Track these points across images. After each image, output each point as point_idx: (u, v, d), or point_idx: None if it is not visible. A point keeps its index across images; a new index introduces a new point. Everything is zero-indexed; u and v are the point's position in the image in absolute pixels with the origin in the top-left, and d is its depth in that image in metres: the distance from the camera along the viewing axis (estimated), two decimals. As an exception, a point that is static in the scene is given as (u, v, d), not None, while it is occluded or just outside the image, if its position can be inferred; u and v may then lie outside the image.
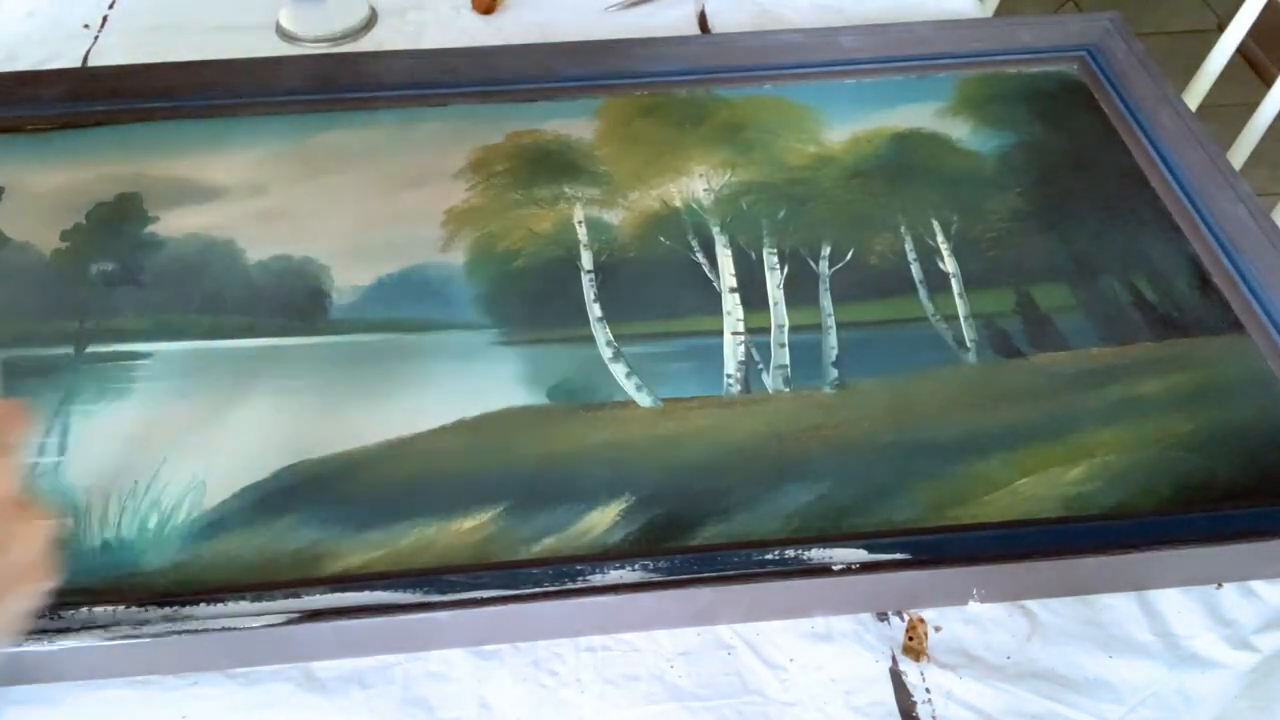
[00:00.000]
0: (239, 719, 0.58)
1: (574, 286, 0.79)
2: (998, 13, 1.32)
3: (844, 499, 0.66)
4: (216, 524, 0.65)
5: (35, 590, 0.47)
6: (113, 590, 0.61)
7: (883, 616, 0.62)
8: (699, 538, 0.64)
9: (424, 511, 0.65)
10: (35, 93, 0.93)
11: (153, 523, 0.65)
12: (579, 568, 0.62)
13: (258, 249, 0.82)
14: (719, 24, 1.08)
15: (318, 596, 0.61)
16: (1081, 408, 0.71)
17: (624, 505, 0.66)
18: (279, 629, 0.58)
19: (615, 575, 0.62)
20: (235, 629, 0.58)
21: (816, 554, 0.63)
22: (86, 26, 1.06)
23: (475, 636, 0.61)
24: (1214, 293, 0.79)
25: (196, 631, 0.58)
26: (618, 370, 0.74)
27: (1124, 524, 0.65)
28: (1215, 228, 0.82)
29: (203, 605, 0.60)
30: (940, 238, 0.83)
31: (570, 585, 0.61)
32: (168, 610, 0.60)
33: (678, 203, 0.86)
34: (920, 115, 0.93)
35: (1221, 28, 1.14)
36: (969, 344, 0.76)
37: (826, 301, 0.78)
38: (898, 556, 0.63)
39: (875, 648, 0.61)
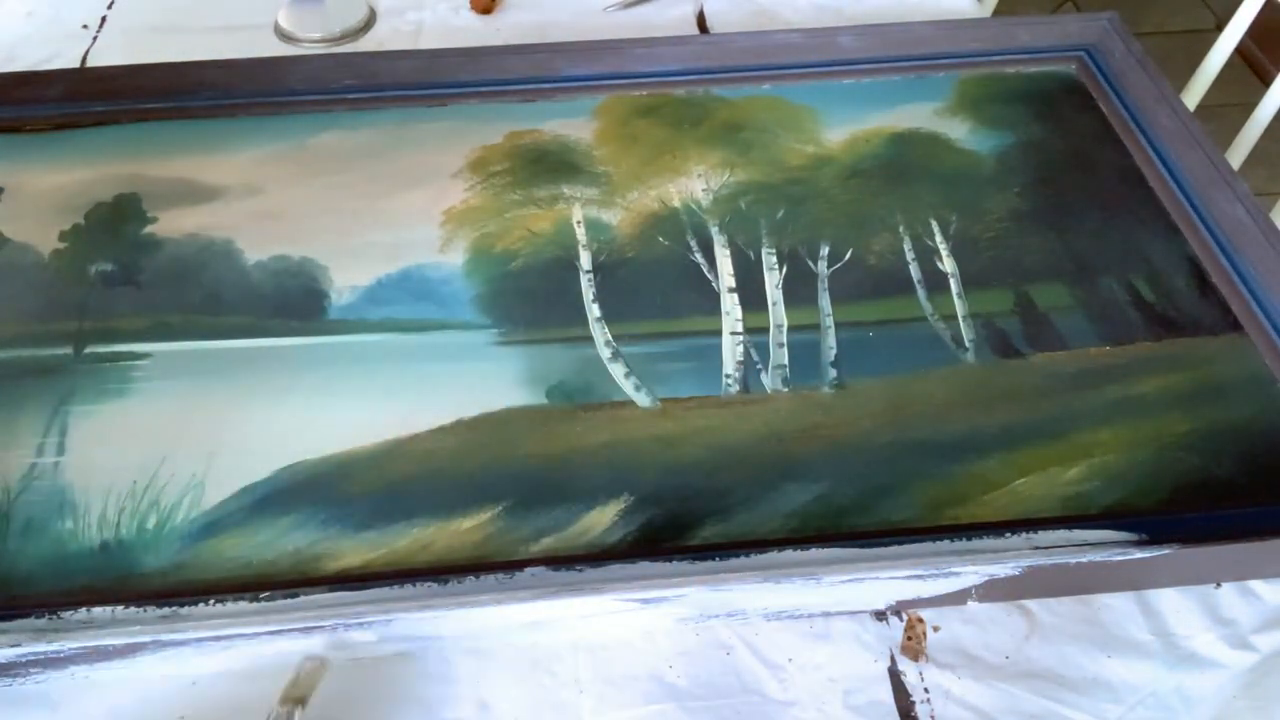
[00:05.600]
0: (238, 719, 0.58)
1: (572, 286, 0.79)
2: (996, 13, 1.33)
3: (843, 499, 0.66)
4: (215, 524, 0.65)
5: None
6: (112, 590, 0.61)
7: (881, 616, 0.62)
8: (697, 538, 0.64)
9: (423, 511, 0.65)
10: (34, 93, 0.93)
11: (151, 523, 0.65)
12: (577, 567, 0.62)
13: (256, 249, 0.82)
14: (718, 24, 1.08)
15: (317, 596, 0.61)
16: (1080, 407, 0.71)
17: (622, 505, 0.66)
18: (278, 629, 0.58)
19: (613, 575, 0.62)
20: (235, 629, 0.58)
21: (815, 554, 0.63)
22: (85, 27, 1.06)
23: (475, 636, 0.61)
24: (1212, 292, 0.79)
25: (196, 631, 0.58)
26: (616, 370, 0.74)
27: (1122, 523, 0.65)
28: (1213, 227, 0.82)
29: (202, 605, 0.60)
30: (939, 237, 0.83)
31: (569, 585, 0.61)
32: (167, 610, 0.60)
33: (676, 203, 0.86)
34: (919, 115, 0.93)
35: (1220, 28, 1.14)
36: (967, 344, 0.76)
37: (825, 301, 0.78)
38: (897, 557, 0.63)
39: (874, 647, 0.61)
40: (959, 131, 0.92)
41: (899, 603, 0.62)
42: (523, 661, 0.60)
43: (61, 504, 0.66)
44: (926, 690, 0.59)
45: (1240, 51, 1.44)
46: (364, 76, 0.95)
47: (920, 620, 0.62)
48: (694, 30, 1.07)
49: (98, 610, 0.60)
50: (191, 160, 0.89)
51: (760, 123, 0.93)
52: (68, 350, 0.75)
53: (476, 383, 0.73)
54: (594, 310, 0.78)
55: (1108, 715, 0.58)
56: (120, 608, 0.60)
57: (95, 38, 1.05)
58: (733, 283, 0.80)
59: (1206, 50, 1.13)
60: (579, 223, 0.84)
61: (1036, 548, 0.63)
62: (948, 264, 0.81)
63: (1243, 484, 0.67)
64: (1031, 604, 0.63)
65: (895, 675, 0.60)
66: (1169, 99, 0.90)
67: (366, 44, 1.05)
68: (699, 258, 0.81)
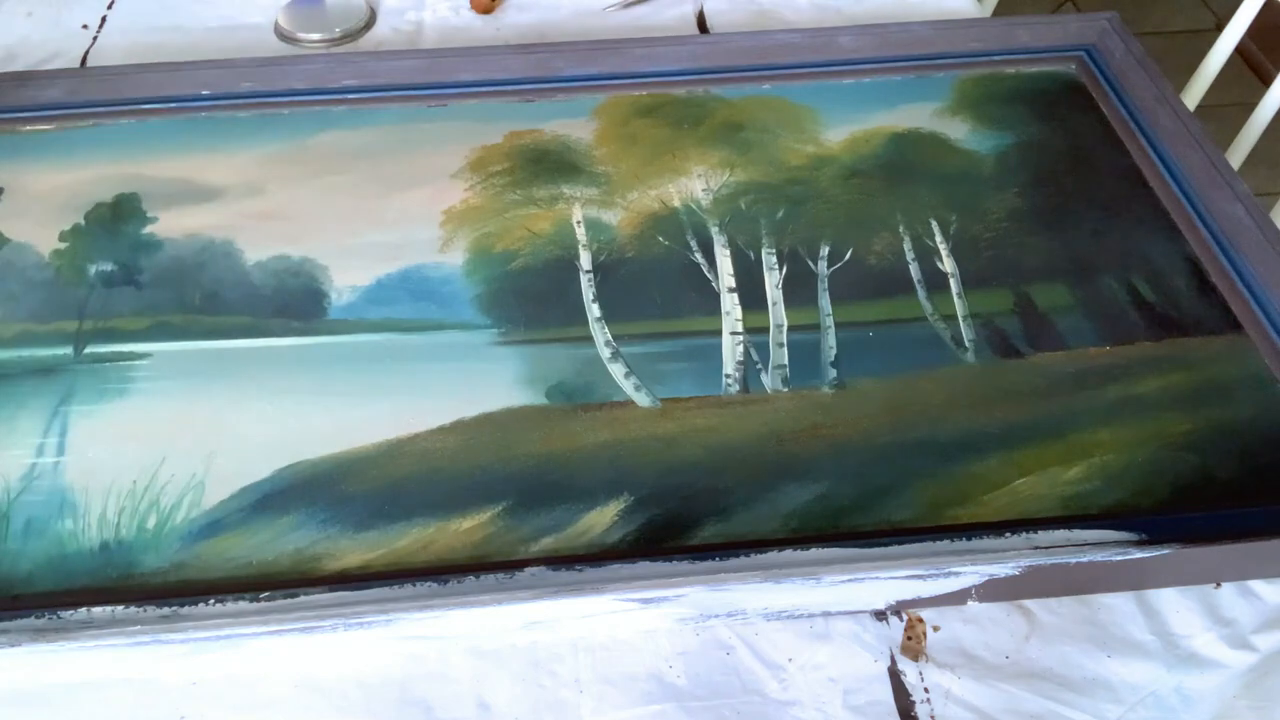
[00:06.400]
0: (238, 719, 0.58)
1: (572, 286, 0.79)
2: (996, 13, 1.33)
3: (843, 499, 0.66)
4: (215, 524, 0.65)
5: None
6: (112, 590, 0.61)
7: (881, 616, 0.62)
8: (697, 538, 0.64)
9: (422, 511, 0.65)
10: (34, 93, 0.93)
11: (151, 523, 0.65)
12: (577, 567, 0.62)
13: (256, 249, 0.82)
14: (718, 24, 1.08)
15: (317, 596, 0.61)
16: (1080, 407, 0.71)
17: (622, 505, 0.66)
18: (278, 629, 0.58)
19: (613, 575, 0.62)
20: (235, 629, 0.58)
21: (815, 554, 0.63)
22: (85, 27, 1.07)
23: (475, 636, 0.61)
24: (1212, 292, 0.79)
25: (196, 631, 0.58)
26: (616, 370, 0.74)
27: (1122, 523, 0.65)
28: (1213, 227, 0.82)
29: (202, 605, 0.60)
30: (939, 237, 0.83)
31: (569, 585, 0.61)
32: (167, 610, 0.60)
33: (676, 203, 0.86)
34: (919, 115, 0.93)
35: (1220, 27, 1.14)
36: (967, 344, 0.76)
37: (825, 301, 0.78)
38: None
39: (874, 647, 0.61)
40: (959, 131, 0.92)
41: (899, 603, 0.62)
42: (523, 661, 0.60)
43: (61, 504, 0.66)
44: (926, 690, 0.59)
45: (1240, 51, 1.44)
46: (364, 76, 0.95)
47: (920, 620, 0.62)
48: (694, 30, 1.07)
49: (98, 610, 0.60)
50: (191, 160, 0.89)
51: (760, 123, 0.93)
52: (68, 350, 0.75)
53: (476, 383, 0.73)
54: (594, 310, 0.78)
55: (1108, 715, 0.58)
56: (120, 608, 0.60)
57: (95, 38, 1.05)
58: (733, 283, 0.80)
59: (1206, 50, 1.13)
60: (579, 223, 0.84)
61: (1036, 548, 0.63)
62: (948, 264, 0.81)
63: (1243, 484, 0.67)
64: (1031, 604, 0.63)
65: (895, 675, 0.60)
66: (1169, 99, 0.90)
67: (366, 44, 1.05)
68: (699, 258, 0.81)
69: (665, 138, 0.91)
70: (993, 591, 0.62)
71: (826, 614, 0.62)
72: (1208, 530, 0.64)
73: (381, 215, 0.85)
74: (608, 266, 0.81)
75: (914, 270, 0.81)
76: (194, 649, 0.58)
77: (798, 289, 0.79)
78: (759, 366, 0.74)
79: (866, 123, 0.92)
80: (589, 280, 0.80)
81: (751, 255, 0.82)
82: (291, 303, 0.78)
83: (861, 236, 0.83)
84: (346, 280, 0.80)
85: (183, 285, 0.79)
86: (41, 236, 0.82)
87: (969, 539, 0.64)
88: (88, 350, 0.75)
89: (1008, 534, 0.64)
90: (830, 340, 0.76)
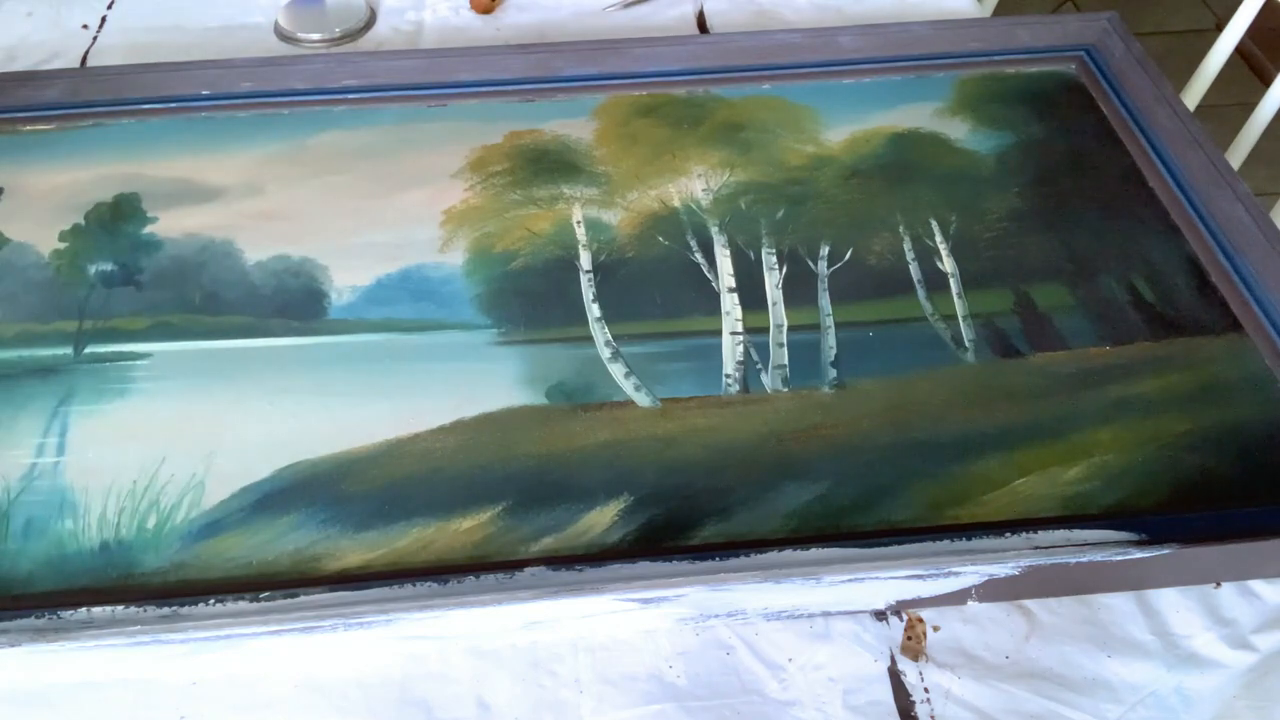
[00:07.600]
0: (239, 719, 0.58)
1: (572, 286, 0.79)
2: (996, 13, 1.33)
3: (843, 499, 0.66)
4: (215, 524, 0.65)
5: None
6: (112, 590, 0.61)
7: (881, 616, 0.62)
8: (697, 538, 0.64)
9: (422, 511, 0.65)
10: (34, 93, 0.93)
11: (151, 523, 0.65)
12: (577, 567, 0.62)
13: (256, 249, 0.82)
14: (718, 24, 1.08)
15: (317, 596, 0.61)
16: (1080, 407, 0.71)
17: (622, 505, 0.66)
18: (278, 629, 0.58)
19: (613, 575, 0.62)
20: (235, 629, 0.58)
21: (815, 554, 0.63)
22: (85, 27, 1.07)
23: (475, 636, 0.61)
24: (1212, 292, 0.79)
25: (196, 631, 0.58)
26: (616, 370, 0.74)
27: (1122, 523, 0.65)
28: (1213, 227, 0.82)
29: (202, 605, 0.60)
30: (939, 237, 0.83)
31: (569, 585, 0.61)
32: (167, 610, 0.60)
33: (676, 203, 0.86)
34: (919, 115, 0.93)
35: (1220, 27, 1.14)
36: (967, 344, 0.76)
37: (825, 301, 0.78)
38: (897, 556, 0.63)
39: (874, 647, 0.61)
40: (959, 132, 0.92)
41: (899, 603, 0.62)
42: (523, 661, 0.60)
43: (61, 504, 0.66)
44: (926, 690, 0.59)
45: (1240, 51, 1.44)
46: (364, 76, 0.95)
47: (920, 620, 0.62)
48: (694, 30, 1.07)
49: (98, 610, 0.60)
50: (191, 160, 0.89)
51: (760, 123, 0.93)
52: (68, 350, 0.75)
53: (476, 382, 0.73)
54: (594, 310, 0.78)
55: (1108, 715, 0.58)
56: (120, 608, 0.60)
57: (95, 38, 1.05)
58: (733, 283, 0.80)
59: (1206, 50, 1.13)
60: (579, 223, 0.84)
61: (1036, 548, 0.63)
62: (948, 264, 0.81)
63: (1243, 484, 0.67)
64: (1031, 604, 0.63)
65: (895, 675, 0.60)
66: (1169, 99, 0.90)
67: (366, 44, 1.05)
68: (699, 258, 0.81)
69: (665, 138, 0.91)
70: (993, 591, 0.62)
71: (826, 614, 0.62)
72: (1208, 530, 0.64)
73: (381, 215, 0.85)
74: (608, 266, 0.81)
75: (914, 270, 0.81)
76: (194, 649, 0.58)
77: (798, 289, 0.79)
78: (759, 366, 0.74)
79: (866, 123, 0.92)
80: (589, 280, 0.80)
81: (751, 255, 0.82)
82: (291, 303, 0.78)
83: (861, 236, 0.83)
84: (346, 280, 0.80)
85: (183, 285, 0.79)
86: (41, 236, 0.82)
87: (969, 539, 0.64)
88: (88, 350, 0.75)
89: (1008, 534, 0.64)
90: (830, 340, 0.76)
